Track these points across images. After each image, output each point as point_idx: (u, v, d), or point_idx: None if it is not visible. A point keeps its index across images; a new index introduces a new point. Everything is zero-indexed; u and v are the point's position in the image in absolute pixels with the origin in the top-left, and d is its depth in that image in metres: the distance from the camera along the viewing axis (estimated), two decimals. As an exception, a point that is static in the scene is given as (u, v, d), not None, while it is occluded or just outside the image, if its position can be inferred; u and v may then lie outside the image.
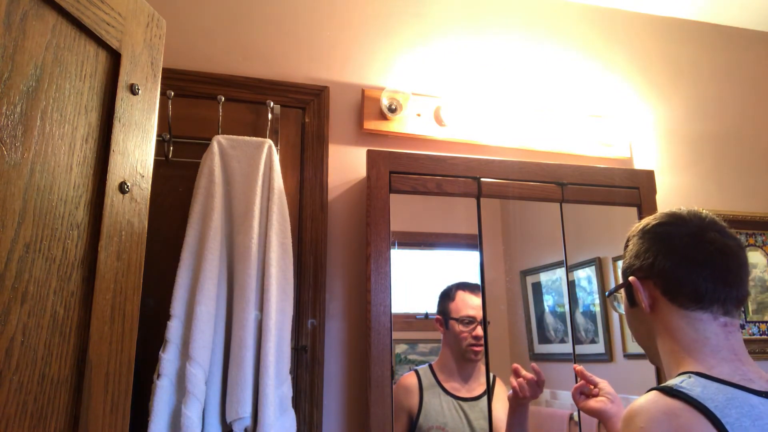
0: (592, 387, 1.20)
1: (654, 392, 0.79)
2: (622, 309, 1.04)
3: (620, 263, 1.89)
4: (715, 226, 0.91)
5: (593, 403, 1.17)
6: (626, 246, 0.99)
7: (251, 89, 1.76)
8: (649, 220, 0.96)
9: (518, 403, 1.58)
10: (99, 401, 0.89)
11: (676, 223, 0.92)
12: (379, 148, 1.78)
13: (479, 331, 1.67)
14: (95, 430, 0.88)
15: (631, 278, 0.94)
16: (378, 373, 1.57)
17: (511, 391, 1.58)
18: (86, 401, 0.86)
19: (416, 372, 1.67)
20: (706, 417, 0.73)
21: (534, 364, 1.60)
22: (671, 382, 0.81)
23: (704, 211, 0.94)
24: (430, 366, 1.68)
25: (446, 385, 1.66)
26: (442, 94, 1.94)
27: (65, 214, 0.86)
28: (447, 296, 1.72)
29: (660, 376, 1.78)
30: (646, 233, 0.94)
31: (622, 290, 0.99)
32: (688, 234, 0.90)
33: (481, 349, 1.66)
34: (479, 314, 1.68)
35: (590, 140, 2.03)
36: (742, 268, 0.89)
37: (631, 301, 0.96)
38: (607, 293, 1.05)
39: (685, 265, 0.88)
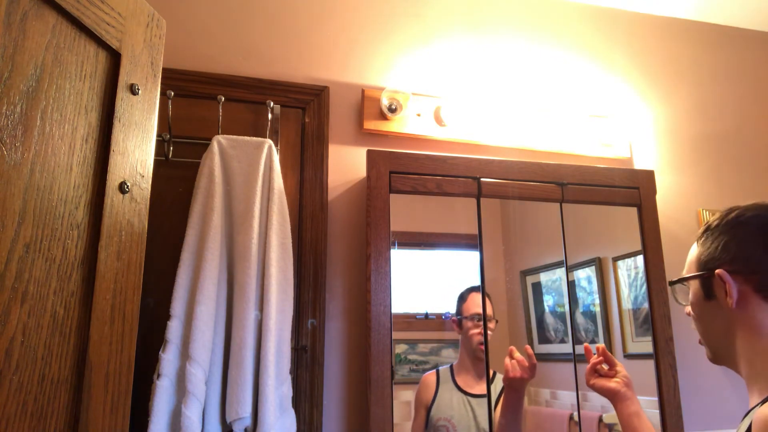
0: (607, 368, 1.17)
1: None
2: (682, 300, 0.97)
3: (621, 263, 1.91)
4: None
5: (607, 382, 1.14)
6: (702, 237, 0.92)
7: (251, 89, 1.76)
8: (739, 211, 0.89)
9: (510, 386, 1.65)
10: (99, 401, 0.89)
11: None
12: (379, 148, 1.78)
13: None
14: (95, 430, 0.88)
15: (718, 271, 0.86)
16: (378, 373, 1.57)
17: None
18: (86, 401, 0.86)
19: (437, 371, 1.71)
20: None
21: (527, 347, 1.70)
22: None
23: None
24: (451, 366, 1.72)
25: (459, 381, 1.70)
26: (442, 94, 1.94)
27: (65, 214, 0.86)
28: (461, 298, 1.75)
29: (660, 376, 1.78)
30: (739, 224, 0.87)
31: (691, 282, 0.93)
32: None
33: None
34: (488, 313, 1.72)
35: (590, 140, 2.03)
36: None
37: (708, 294, 0.90)
38: (671, 282, 0.99)
39: None
